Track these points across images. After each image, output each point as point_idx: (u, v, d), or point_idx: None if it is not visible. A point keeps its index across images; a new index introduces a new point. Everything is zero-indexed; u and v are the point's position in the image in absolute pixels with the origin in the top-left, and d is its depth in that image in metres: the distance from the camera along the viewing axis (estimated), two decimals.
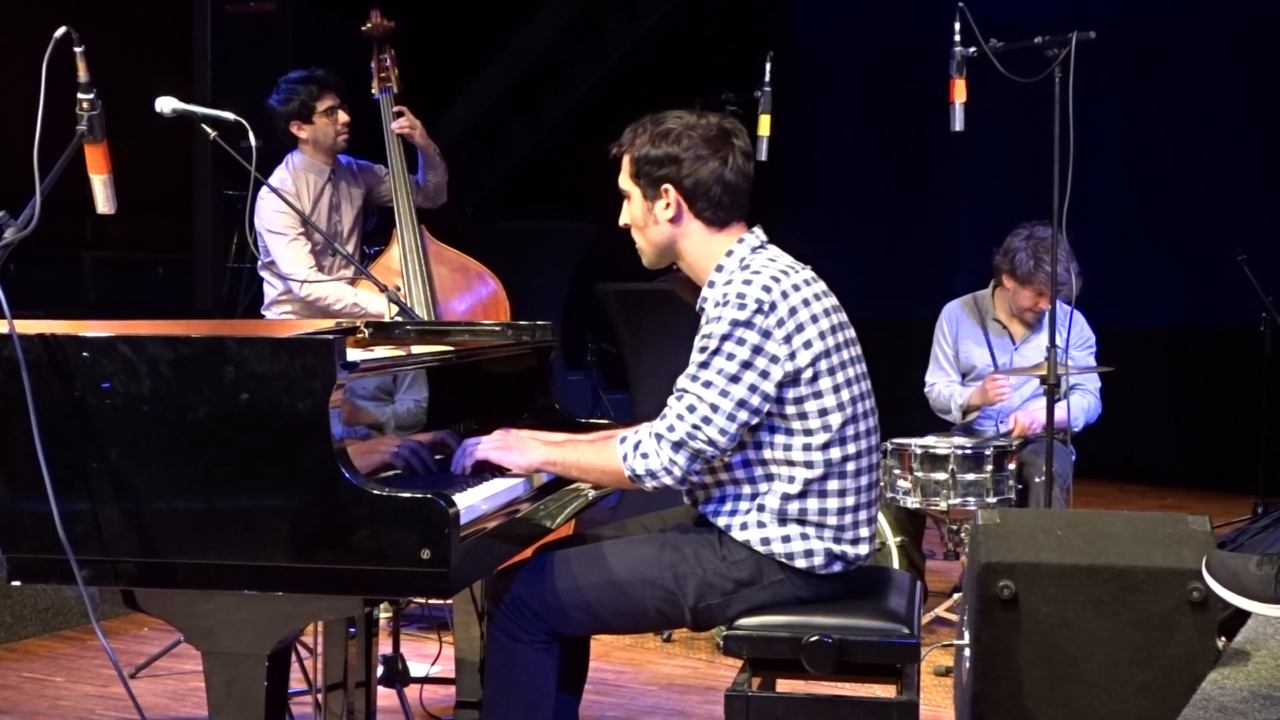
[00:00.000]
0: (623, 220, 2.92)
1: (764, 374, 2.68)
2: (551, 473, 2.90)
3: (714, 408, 2.67)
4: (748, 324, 2.68)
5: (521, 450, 2.84)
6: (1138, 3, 8.72)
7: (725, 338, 2.69)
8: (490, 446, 2.84)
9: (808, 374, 2.71)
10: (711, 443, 2.68)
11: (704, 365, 2.71)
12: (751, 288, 2.71)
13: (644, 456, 2.72)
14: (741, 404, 2.68)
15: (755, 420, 2.71)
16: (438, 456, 3.02)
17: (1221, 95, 8.65)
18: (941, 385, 5.16)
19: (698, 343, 2.75)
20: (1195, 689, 2.90)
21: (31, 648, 4.68)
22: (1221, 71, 8.64)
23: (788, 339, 2.70)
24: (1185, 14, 8.74)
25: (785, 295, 2.72)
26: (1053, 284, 4.50)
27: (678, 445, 2.69)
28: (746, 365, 2.68)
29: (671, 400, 2.74)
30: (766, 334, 2.69)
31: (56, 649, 4.68)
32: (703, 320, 2.78)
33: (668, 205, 2.81)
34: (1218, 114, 8.66)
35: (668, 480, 2.72)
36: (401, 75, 4.89)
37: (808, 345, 2.71)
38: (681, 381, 2.74)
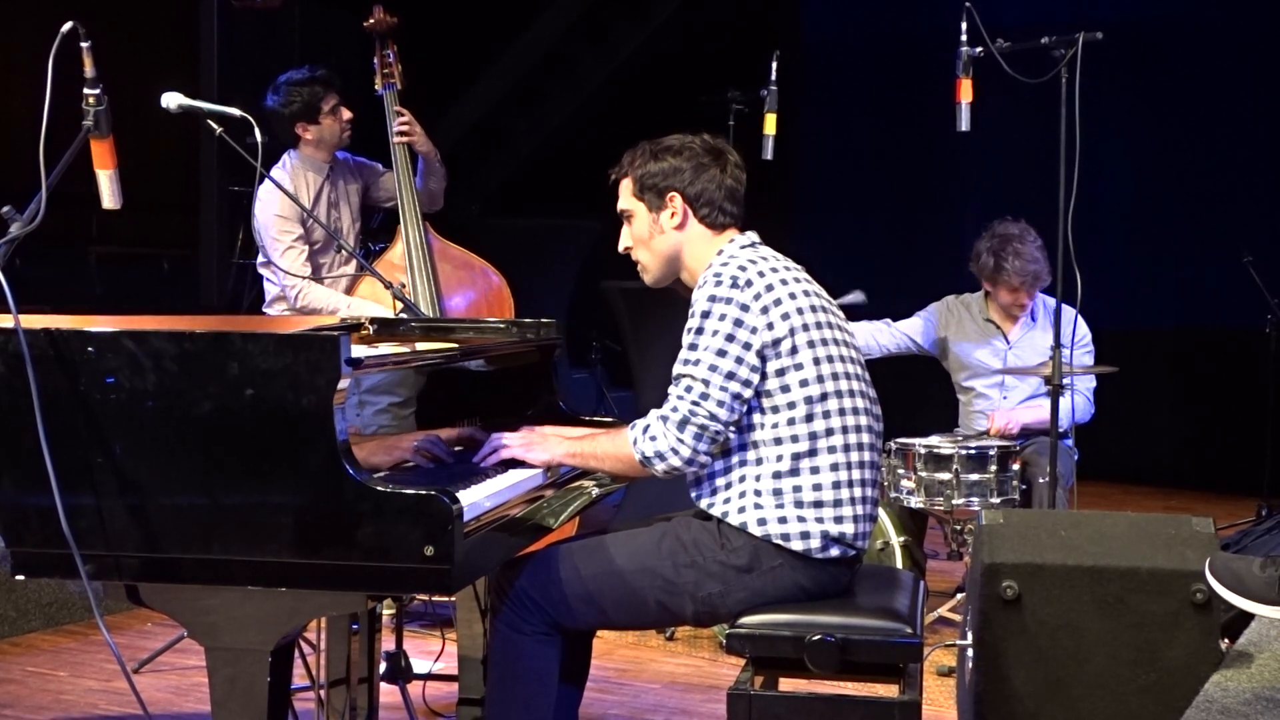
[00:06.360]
0: (623, 243, 3.06)
1: (746, 345, 2.80)
2: (571, 465, 2.97)
3: (706, 382, 2.78)
4: (726, 300, 2.82)
5: (544, 447, 2.94)
6: (1145, 4, 8.71)
7: (706, 315, 2.82)
8: (515, 445, 2.92)
9: (786, 345, 2.82)
10: (713, 416, 2.77)
11: (692, 346, 2.83)
12: (728, 268, 2.88)
13: (652, 439, 2.80)
14: (731, 375, 2.78)
15: (748, 392, 2.80)
16: (459, 448, 3.03)
17: (1228, 96, 8.64)
18: (869, 331, 5.11)
19: (685, 330, 2.86)
20: (1198, 691, 2.90)
21: (35, 642, 4.69)
22: (1228, 73, 8.63)
23: (765, 310, 2.82)
24: (1192, 15, 8.73)
25: (761, 274, 2.86)
26: (1062, 282, 4.47)
27: (682, 423, 2.77)
28: (730, 338, 2.79)
29: (671, 387, 2.84)
30: (745, 307, 2.81)
31: (60, 644, 4.68)
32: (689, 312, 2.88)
33: (674, 214, 2.97)
34: (1224, 115, 8.66)
35: (676, 462, 2.78)
36: (409, 72, 4.84)
37: (785, 317, 2.83)
38: (676, 368, 2.84)
